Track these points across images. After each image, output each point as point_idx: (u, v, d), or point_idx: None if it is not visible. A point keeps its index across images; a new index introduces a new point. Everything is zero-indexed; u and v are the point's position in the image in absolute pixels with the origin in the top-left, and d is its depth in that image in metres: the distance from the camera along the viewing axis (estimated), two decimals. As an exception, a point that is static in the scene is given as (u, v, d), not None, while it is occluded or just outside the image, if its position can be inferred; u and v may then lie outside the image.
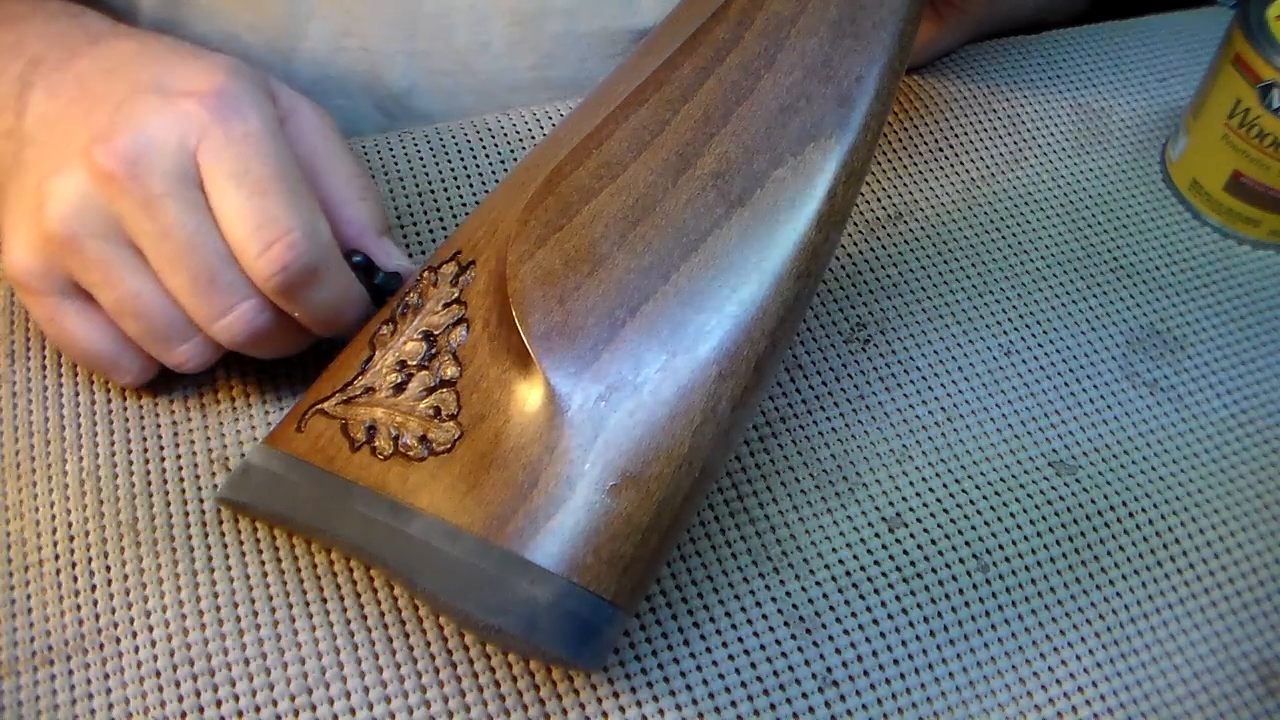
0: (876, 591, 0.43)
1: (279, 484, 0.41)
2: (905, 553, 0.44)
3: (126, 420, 0.46)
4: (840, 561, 0.44)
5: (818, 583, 0.43)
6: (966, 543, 0.45)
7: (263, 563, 0.43)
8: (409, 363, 0.40)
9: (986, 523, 0.45)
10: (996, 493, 0.46)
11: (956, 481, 0.46)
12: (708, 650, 0.42)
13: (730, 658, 0.42)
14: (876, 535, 0.45)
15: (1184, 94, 0.60)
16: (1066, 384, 0.49)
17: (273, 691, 0.40)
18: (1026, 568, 0.44)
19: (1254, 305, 0.53)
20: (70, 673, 0.40)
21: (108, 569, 0.42)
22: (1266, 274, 0.54)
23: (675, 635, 0.42)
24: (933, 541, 0.45)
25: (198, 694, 0.40)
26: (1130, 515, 0.46)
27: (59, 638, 0.41)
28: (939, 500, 0.46)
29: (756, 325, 0.38)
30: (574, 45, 0.58)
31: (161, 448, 0.45)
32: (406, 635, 0.41)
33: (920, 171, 0.56)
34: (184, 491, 0.44)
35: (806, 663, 0.42)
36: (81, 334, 0.44)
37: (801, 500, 0.45)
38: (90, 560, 0.42)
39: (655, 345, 0.38)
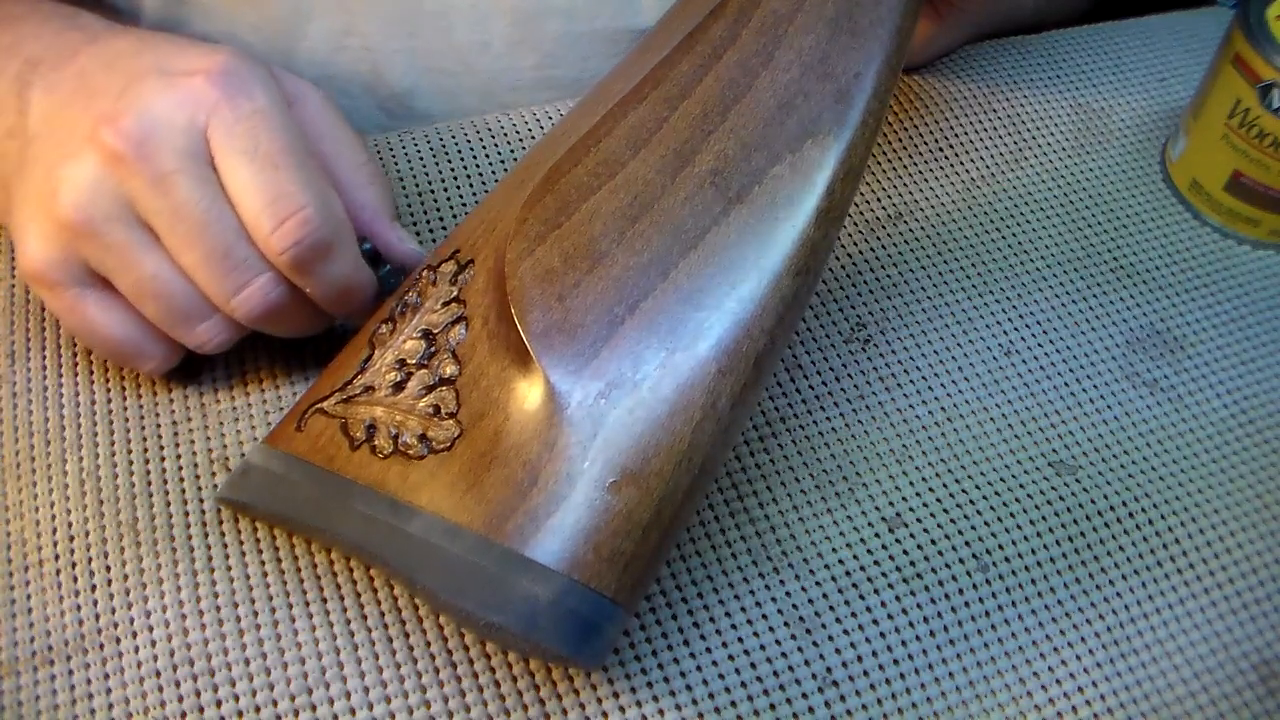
0: (876, 591, 0.43)
1: (279, 483, 0.41)
2: (905, 553, 0.44)
3: (126, 420, 0.46)
4: (840, 561, 0.44)
5: (818, 583, 0.43)
6: (966, 543, 0.45)
7: (263, 563, 0.43)
8: (408, 361, 0.40)
9: (986, 523, 0.45)
10: (996, 493, 0.46)
11: (956, 481, 0.46)
12: (708, 650, 0.42)
13: (730, 658, 0.42)
14: (876, 535, 0.45)
15: (1184, 94, 0.60)
16: (1066, 384, 0.49)
17: (273, 691, 0.40)
18: (1026, 568, 0.44)
19: (1254, 305, 0.53)
20: (70, 673, 0.40)
21: (108, 569, 0.42)
22: (1266, 274, 0.54)
23: (675, 635, 0.42)
24: (933, 541, 0.45)
25: (198, 694, 0.40)
26: (1130, 515, 0.46)
27: (59, 638, 0.41)
28: (939, 500, 0.46)
29: (755, 322, 0.38)
30: (575, 45, 0.58)
31: (161, 448, 0.45)
32: (406, 635, 0.41)
33: (920, 171, 0.56)
34: (184, 491, 0.44)
35: (806, 663, 0.42)
36: (103, 322, 0.43)
37: (801, 500, 0.45)
38: (90, 560, 0.42)
39: (654, 342, 0.38)
